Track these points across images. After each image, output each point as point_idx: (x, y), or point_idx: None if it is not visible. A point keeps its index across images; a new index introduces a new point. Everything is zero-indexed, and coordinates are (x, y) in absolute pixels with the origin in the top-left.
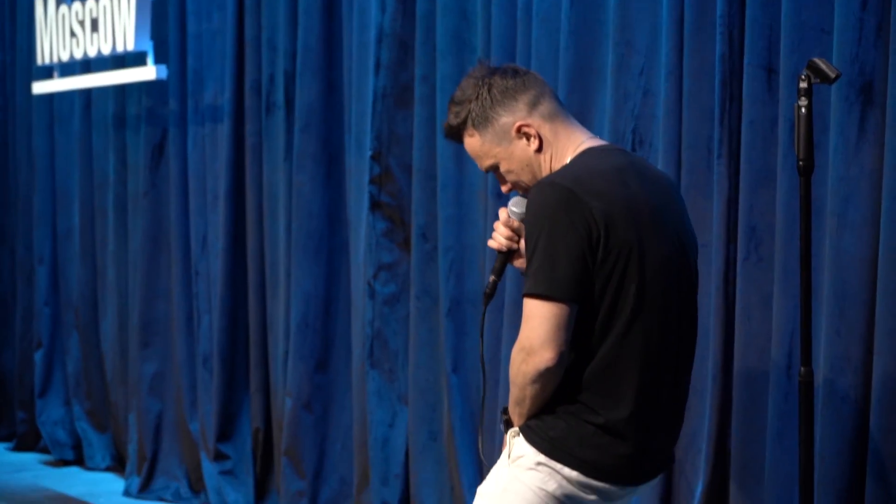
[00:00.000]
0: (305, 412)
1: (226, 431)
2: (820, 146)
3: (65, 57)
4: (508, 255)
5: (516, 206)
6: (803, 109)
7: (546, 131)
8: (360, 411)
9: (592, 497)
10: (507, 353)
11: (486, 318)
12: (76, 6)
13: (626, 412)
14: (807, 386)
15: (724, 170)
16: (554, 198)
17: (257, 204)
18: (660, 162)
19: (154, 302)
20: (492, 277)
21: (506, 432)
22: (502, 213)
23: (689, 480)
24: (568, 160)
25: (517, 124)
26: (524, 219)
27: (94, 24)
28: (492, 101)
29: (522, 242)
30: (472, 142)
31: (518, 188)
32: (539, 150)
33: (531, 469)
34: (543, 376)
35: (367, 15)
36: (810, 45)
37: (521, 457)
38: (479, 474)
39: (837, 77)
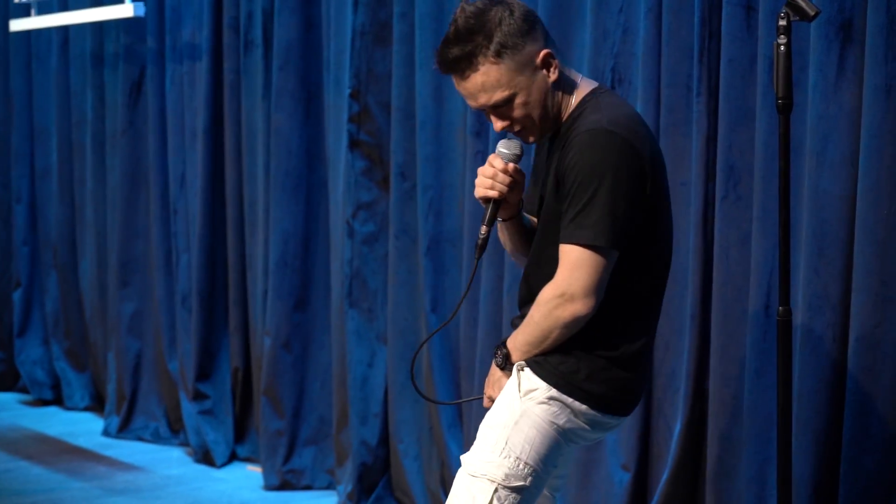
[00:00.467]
0: (284, 351)
1: (205, 371)
2: (799, 84)
3: None
4: (500, 202)
5: (508, 148)
6: (782, 47)
7: (559, 65)
8: (339, 350)
9: (590, 430)
10: (486, 293)
11: (464, 258)
12: None
13: (640, 344)
14: (785, 325)
15: (702, 108)
16: (615, 148)
17: (236, 142)
18: (639, 100)
19: (132, 241)
20: (483, 228)
21: (501, 367)
22: (496, 160)
23: (667, 419)
24: (576, 97)
25: (543, 52)
26: (570, 161)
27: None
28: (518, 28)
29: (519, 188)
30: (489, 73)
31: (519, 125)
32: (556, 83)
33: (543, 403)
34: (578, 323)
35: None
36: None
37: (534, 390)
38: (458, 414)
39: (816, 15)
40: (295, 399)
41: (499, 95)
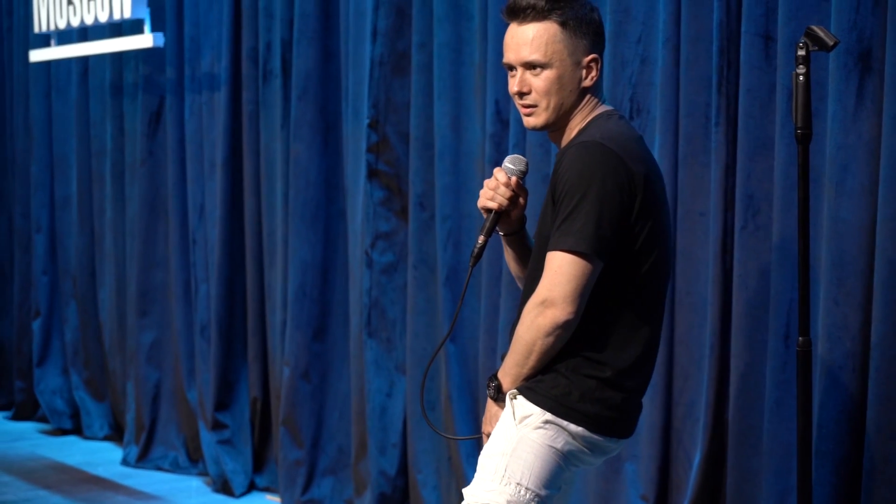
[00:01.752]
0: (303, 381)
1: (224, 400)
2: (818, 114)
3: (62, 25)
4: (500, 214)
5: (514, 163)
6: (801, 77)
7: (597, 80)
8: (358, 380)
9: (589, 453)
10: (505, 324)
11: (483, 287)
12: None
13: (630, 362)
14: (805, 355)
15: (721, 138)
16: (603, 159)
17: (254, 172)
18: (657, 130)
19: (152, 270)
20: (481, 238)
21: (494, 399)
22: (500, 173)
23: (686, 450)
24: (591, 115)
25: (592, 55)
26: (559, 172)
27: None
28: (590, 21)
29: (520, 202)
30: (547, 29)
31: (533, 99)
32: (588, 88)
33: (539, 427)
34: (560, 329)
35: None
36: (808, 12)
37: (528, 416)
38: (477, 444)
39: (836, 45)
40: (314, 429)
41: (538, 56)
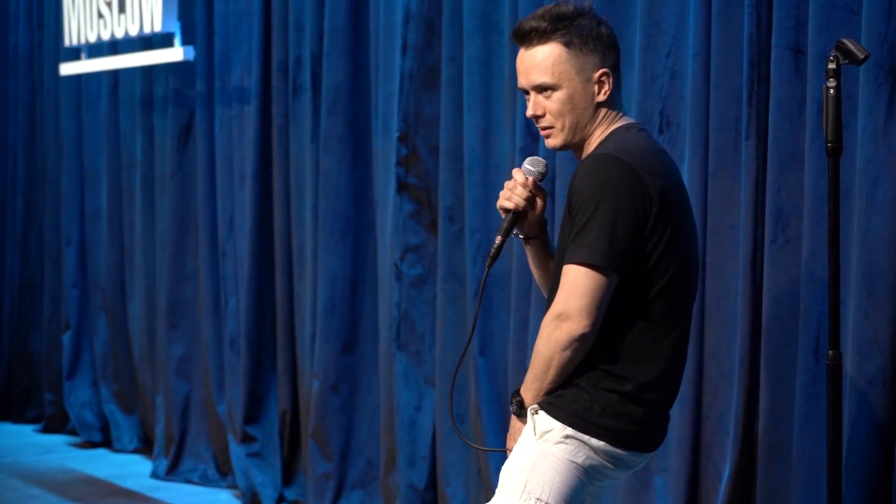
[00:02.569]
0: (332, 394)
1: (253, 413)
2: (848, 127)
3: (92, 38)
4: (518, 215)
5: (533, 165)
6: (832, 91)
7: (612, 93)
8: (387, 393)
9: (613, 467)
10: (534, 336)
11: (512, 300)
12: None
13: (652, 376)
14: (835, 369)
15: (751, 151)
16: (616, 171)
17: (284, 185)
18: (687, 143)
19: (181, 283)
20: (498, 238)
21: (517, 415)
22: (517, 173)
23: (716, 464)
24: (610, 129)
25: (602, 70)
26: (574, 185)
27: (122, 5)
28: (597, 35)
29: (539, 206)
30: (552, 51)
31: (549, 121)
32: (602, 103)
33: (560, 442)
34: (577, 342)
35: None
36: (839, 25)
37: (549, 431)
38: (503, 456)
39: (866, 58)
40: (343, 442)
41: (547, 79)
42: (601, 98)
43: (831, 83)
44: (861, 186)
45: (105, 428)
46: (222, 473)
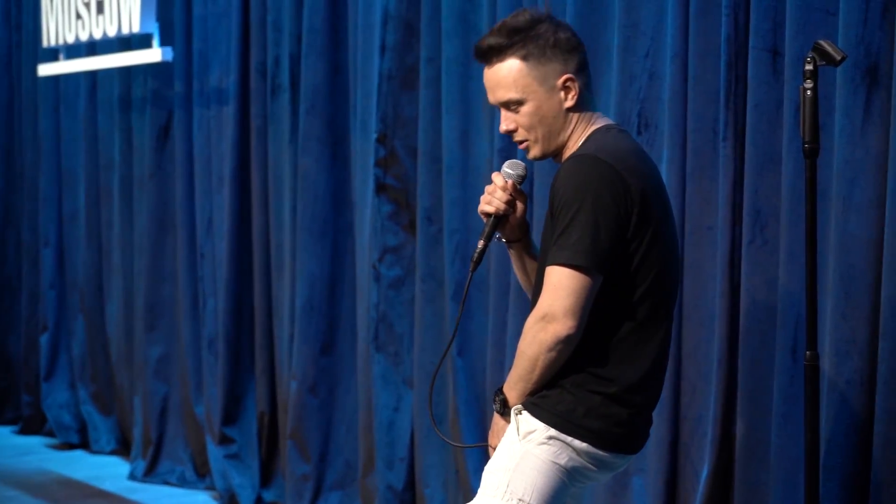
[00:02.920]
0: (311, 395)
1: (231, 415)
2: (825, 128)
3: (70, 39)
4: (500, 219)
5: (512, 168)
6: (809, 92)
7: (581, 96)
8: (366, 395)
9: (595, 469)
10: (513, 337)
11: (490, 301)
12: None
13: (637, 378)
14: (812, 369)
15: (729, 152)
16: (598, 172)
17: (262, 186)
18: (665, 145)
19: (159, 285)
20: (480, 242)
21: (500, 413)
22: (497, 177)
23: (694, 465)
24: (587, 132)
25: (566, 76)
26: (555, 186)
27: (100, 6)
28: (555, 42)
29: (520, 209)
30: (509, 70)
31: (523, 134)
32: (571, 108)
33: (543, 443)
34: (562, 343)
35: None
36: (815, 26)
37: (532, 432)
38: (485, 458)
39: (843, 59)
40: (321, 443)
41: (512, 95)
42: (570, 103)
43: (808, 84)
44: (838, 187)
45: (83, 429)
46: (200, 475)
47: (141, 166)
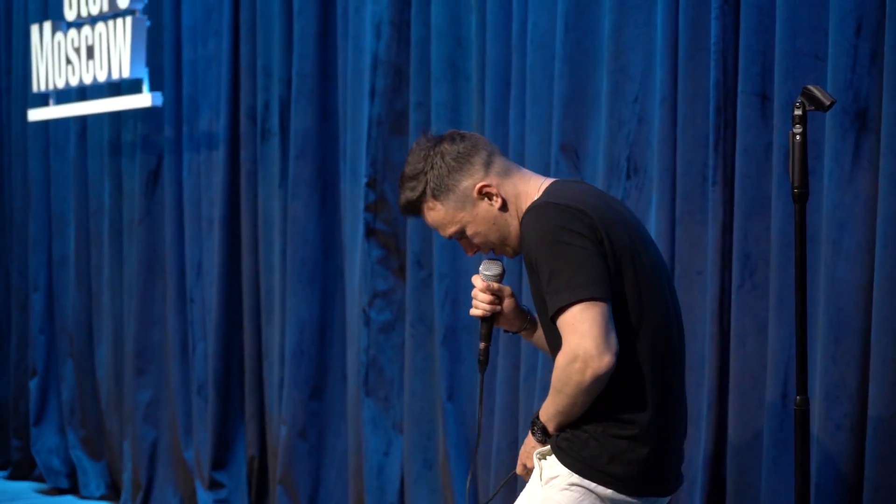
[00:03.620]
0: (300, 440)
1: (221, 459)
2: (815, 173)
3: (60, 84)
4: (493, 318)
5: (488, 269)
6: (798, 137)
7: (506, 188)
8: (356, 439)
9: None
10: (502, 382)
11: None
12: (72, 33)
13: (651, 414)
14: (802, 414)
15: (718, 196)
16: (555, 214)
17: (252, 231)
18: (654, 188)
19: (149, 329)
20: (482, 344)
21: (540, 441)
22: (477, 280)
23: None
24: (532, 197)
25: (478, 186)
26: (524, 243)
27: (90, 52)
28: (448, 169)
29: (507, 303)
30: (433, 213)
31: (485, 249)
32: (503, 208)
33: (565, 489)
34: (600, 381)
35: (361, 41)
36: (804, 71)
37: (555, 477)
38: (475, 503)
39: (832, 104)
40: (311, 488)
41: (451, 230)
42: (498, 203)
43: (797, 129)
44: (828, 232)
45: (72, 474)
46: None
47: (130, 211)
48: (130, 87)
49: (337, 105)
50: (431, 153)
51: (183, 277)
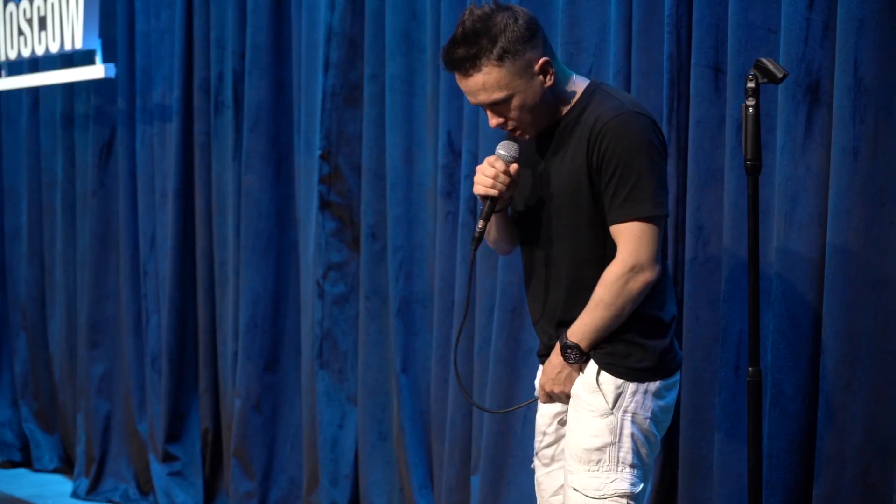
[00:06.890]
0: (254, 413)
1: (174, 432)
2: (767, 145)
3: (12, 55)
4: (497, 199)
5: (506, 150)
6: (751, 109)
7: (557, 71)
8: (310, 412)
9: (673, 394)
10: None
11: (435, 317)
12: (24, 4)
13: (668, 309)
14: (755, 385)
15: (671, 169)
16: (647, 126)
17: (206, 203)
18: None
19: (102, 302)
20: (480, 223)
21: (574, 363)
22: (497, 162)
23: None
24: (577, 93)
25: (541, 60)
26: (603, 143)
27: (42, 23)
28: (520, 34)
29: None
30: (488, 75)
31: (513, 123)
32: (552, 88)
33: (630, 401)
34: (647, 290)
35: (316, 14)
36: (757, 44)
37: (620, 395)
38: (430, 476)
39: (784, 77)
40: (265, 461)
41: (497, 95)
42: (550, 83)
43: (750, 102)
44: (780, 204)
45: (25, 447)
46: (143, 493)
47: (84, 183)
48: (83, 58)
49: (291, 77)
50: (503, 15)
51: (136, 250)
